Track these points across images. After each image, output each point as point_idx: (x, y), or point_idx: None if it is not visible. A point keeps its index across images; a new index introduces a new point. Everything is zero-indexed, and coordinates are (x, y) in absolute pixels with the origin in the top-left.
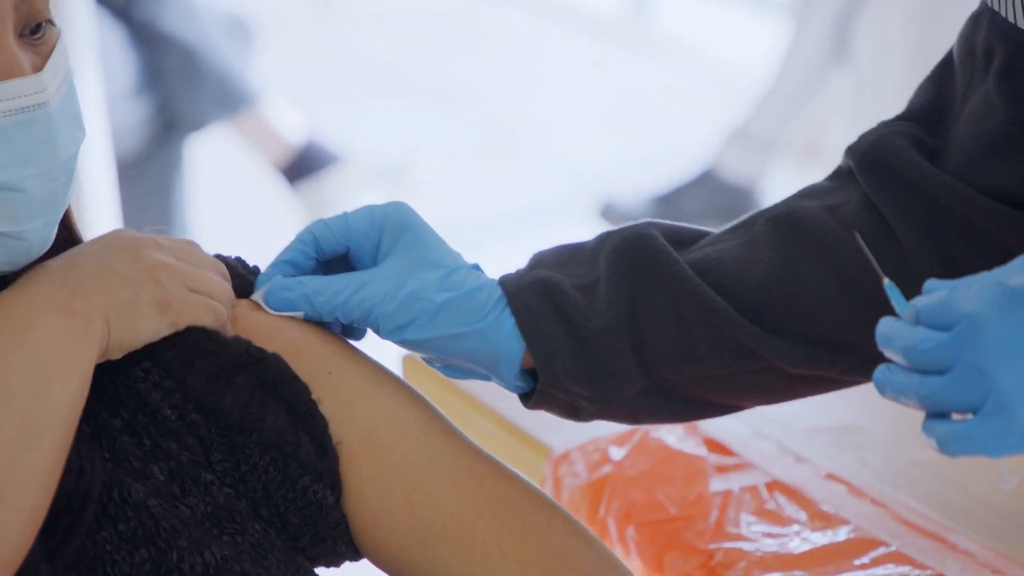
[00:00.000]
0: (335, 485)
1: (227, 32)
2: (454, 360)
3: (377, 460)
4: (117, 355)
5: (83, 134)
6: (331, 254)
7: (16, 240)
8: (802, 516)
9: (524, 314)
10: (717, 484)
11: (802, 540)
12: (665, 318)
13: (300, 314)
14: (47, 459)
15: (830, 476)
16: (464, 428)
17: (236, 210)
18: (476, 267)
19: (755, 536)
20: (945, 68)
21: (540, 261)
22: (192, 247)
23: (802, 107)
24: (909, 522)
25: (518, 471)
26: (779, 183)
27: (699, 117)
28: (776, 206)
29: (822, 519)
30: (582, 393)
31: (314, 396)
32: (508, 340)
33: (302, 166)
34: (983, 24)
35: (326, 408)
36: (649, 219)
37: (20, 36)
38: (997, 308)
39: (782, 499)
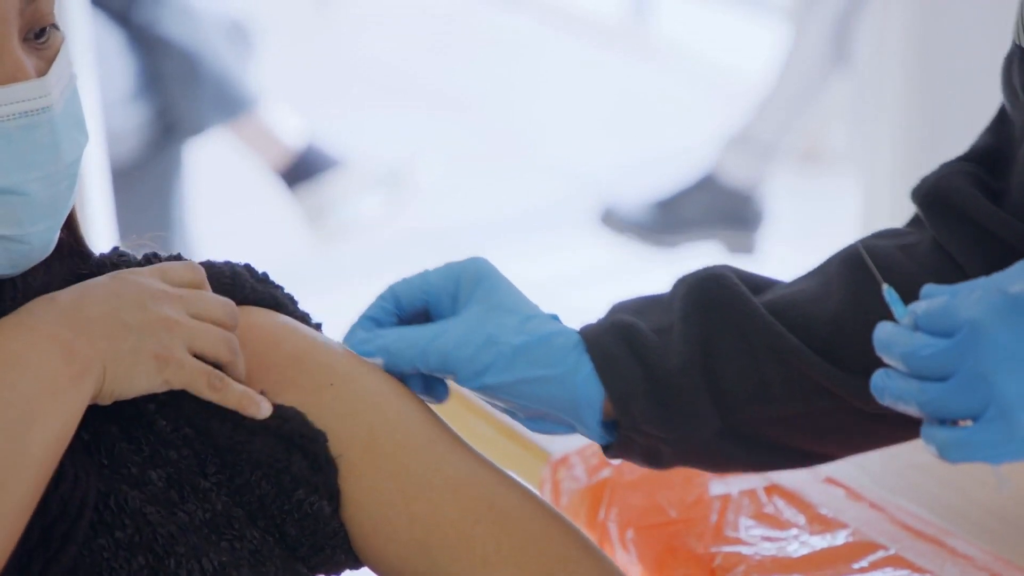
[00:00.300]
0: (333, 496)
1: (226, 36)
2: (536, 408)
3: (377, 469)
4: (106, 402)
5: (86, 138)
6: (411, 310)
7: (19, 244)
8: (801, 520)
9: (601, 357)
10: (716, 488)
11: (801, 544)
12: (738, 356)
13: (380, 361)
14: (15, 502)
15: (829, 480)
16: (463, 432)
17: (235, 214)
18: (554, 317)
19: (754, 540)
20: (1003, 114)
21: (619, 308)
22: (197, 277)
23: (802, 111)
24: (908, 526)
25: (518, 477)
26: (779, 187)
27: (699, 121)
28: (850, 246)
29: (821, 523)
30: (659, 435)
31: (314, 407)
32: (587, 384)
33: (301, 170)
34: (1015, 65)
35: (327, 420)
36: (723, 264)
37: (24, 40)
38: (999, 315)
39: (781, 503)
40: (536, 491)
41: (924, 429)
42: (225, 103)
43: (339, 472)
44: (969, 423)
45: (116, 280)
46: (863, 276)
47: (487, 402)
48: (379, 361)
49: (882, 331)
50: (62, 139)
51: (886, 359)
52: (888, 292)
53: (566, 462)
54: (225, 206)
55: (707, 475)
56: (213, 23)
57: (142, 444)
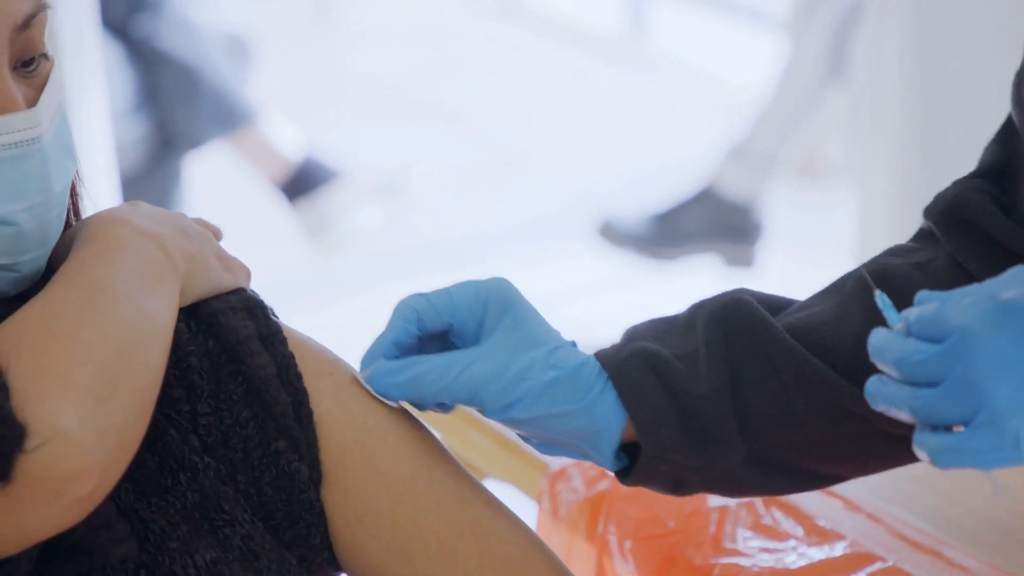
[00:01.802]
0: (313, 466)
1: (225, 50)
2: (554, 437)
3: (366, 463)
4: (185, 303)
5: (75, 165)
6: (433, 331)
7: (8, 272)
8: (799, 531)
9: (626, 385)
10: (714, 499)
11: (799, 555)
12: (766, 383)
13: (397, 404)
14: (154, 363)
15: (827, 491)
16: (461, 444)
17: (234, 227)
18: (573, 344)
19: (752, 551)
20: (1009, 128)
21: (636, 334)
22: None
23: (799, 124)
24: (905, 537)
25: (516, 489)
26: (778, 200)
27: (697, 134)
28: (864, 266)
29: (819, 534)
30: (686, 463)
31: (313, 388)
32: (610, 415)
33: (300, 183)
34: None
35: (323, 402)
36: (740, 288)
37: (13, 69)
38: (988, 321)
39: (779, 514)
40: (534, 503)
41: (916, 435)
42: (224, 116)
43: (322, 444)
44: (961, 429)
45: (144, 206)
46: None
47: (525, 439)
48: (396, 404)
49: (876, 337)
50: (51, 168)
51: (879, 365)
52: (880, 298)
53: (564, 474)
54: (224, 219)
55: None
56: (212, 37)
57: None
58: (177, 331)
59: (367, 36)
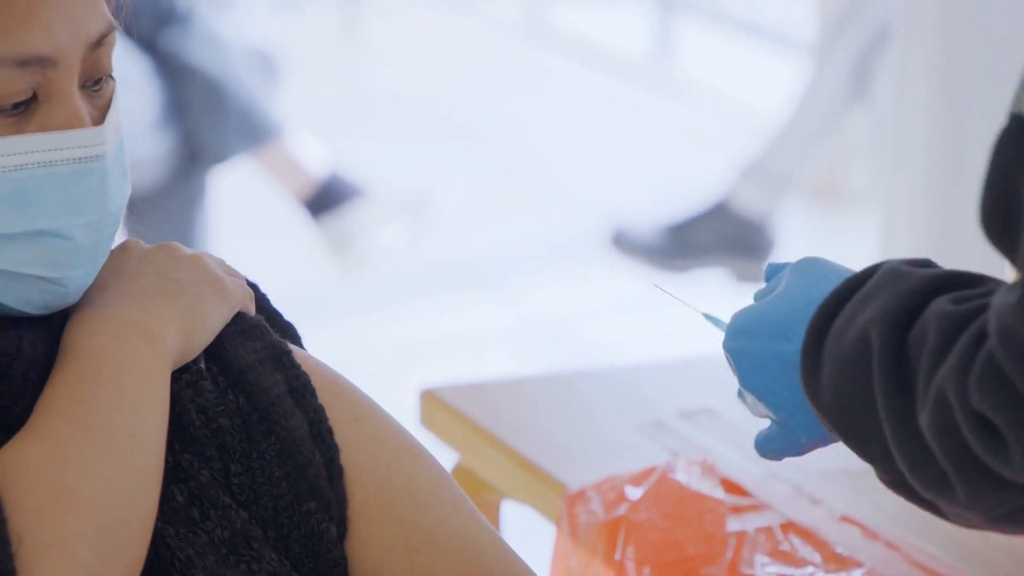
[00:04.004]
0: (341, 522)
1: (252, 65)
2: None
3: (387, 513)
4: (191, 357)
5: (130, 187)
6: None
7: (56, 286)
8: (816, 558)
9: None
10: (733, 525)
11: None
12: None
13: None
14: (150, 508)
15: (845, 518)
16: (479, 464)
17: (258, 243)
18: None
19: None
20: None
21: None
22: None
23: (819, 145)
24: (922, 565)
25: (534, 510)
26: (793, 219)
27: (723, 159)
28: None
29: (836, 561)
30: None
31: (338, 438)
32: None
33: (325, 199)
34: None
35: (349, 452)
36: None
37: (82, 88)
38: (740, 328)
39: (797, 540)
40: (553, 525)
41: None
42: (250, 131)
43: (350, 502)
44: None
45: (133, 250)
46: None
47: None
48: None
49: None
50: (110, 187)
51: None
52: (707, 317)
53: (583, 496)
54: (249, 234)
55: (724, 513)
56: (239, 52)
57: (166, 455)
58: (203, 390)
59: (394, 54)
